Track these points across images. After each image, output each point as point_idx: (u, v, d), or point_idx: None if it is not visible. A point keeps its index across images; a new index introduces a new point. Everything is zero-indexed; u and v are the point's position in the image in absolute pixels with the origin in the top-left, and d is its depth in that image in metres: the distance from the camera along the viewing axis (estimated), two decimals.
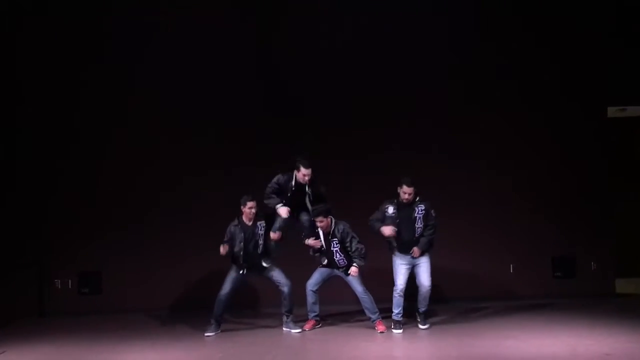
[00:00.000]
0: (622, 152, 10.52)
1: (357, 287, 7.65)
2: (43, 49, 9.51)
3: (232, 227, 7.72)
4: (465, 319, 7.94)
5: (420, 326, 7.64)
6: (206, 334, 7.60)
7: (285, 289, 7.71)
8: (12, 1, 9.41)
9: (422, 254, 7.54)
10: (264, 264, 7.71)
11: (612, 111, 9.93)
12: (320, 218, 7.56)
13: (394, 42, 9.61)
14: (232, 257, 7.70)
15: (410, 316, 7.80)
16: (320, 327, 7.90)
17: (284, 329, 7.80)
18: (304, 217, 7.81)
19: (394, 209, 7.56)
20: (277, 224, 7.69)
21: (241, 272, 7.70)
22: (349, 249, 7.62)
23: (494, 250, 9.42)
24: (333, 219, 7.67)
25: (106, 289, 9.35)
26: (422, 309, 7.66)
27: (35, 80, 9.53)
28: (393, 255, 7.64)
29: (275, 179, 7.74)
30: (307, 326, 7.83)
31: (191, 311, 8.82)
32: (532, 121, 9.66)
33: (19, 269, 9.08)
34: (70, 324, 8.55)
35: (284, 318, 7.83)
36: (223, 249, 7.55)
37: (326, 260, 7.75)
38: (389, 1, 9.63)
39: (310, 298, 7.82)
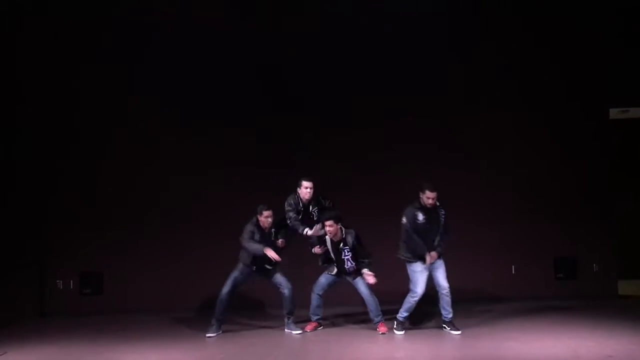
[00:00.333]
0: (623, 153, 10.49)
1: (364, 289, 7.62)
2: (43, 49, 9.51)
3: (253, 227, 7.64)
4: (466, 321, 7.92)
5: (453, 332, 7.45)
6: (207, 335, 7.60)
7: (286, 292, 7.70)
8: (12, 1, 9.37)
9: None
10: (267, 267, 7.70)
11: (615, 112, 9.91)
12: (330, 222, 7.48)
13: (394, 42, 9.60)
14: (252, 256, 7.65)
15: (416, 322, 7.78)
16: (321, 328, 7.89)
17: (285, 330, 7.80)
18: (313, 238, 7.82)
19: (423, 216, 7.37)
20: (282, 232, 7.81)
21: (253, 267, 7.67)
22: (360, 256, 7.56)
23: (495, 251, 9.42)
24: (343, 228, 7.62)
25: (107, 289, 9.34)
26: (449, 315, 7.50)
27: (35, 80, 9.52)
28: (411, 263, 7.43)
29: (286, 204, 7.78)
30: (309, 328, 7.83)
31: (192, 312, 8.84)
32: (533, 121, 9.67)
33: (19, 269, 9.07)
34: (71, 324, 8.54)
35: (286, 319, 7.83)
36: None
37: (335, 270, 7.72)
38: (389, 1, 9.62)
39: (315, 302, 7.82)
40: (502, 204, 9.47)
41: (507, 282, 9.43)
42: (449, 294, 7.43)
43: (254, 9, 9.66)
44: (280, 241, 7.76)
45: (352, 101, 9.54)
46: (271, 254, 7.45)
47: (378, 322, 7.65)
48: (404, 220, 7.37)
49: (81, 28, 9.51)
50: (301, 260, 8.22)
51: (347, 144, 9.46)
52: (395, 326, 7.56)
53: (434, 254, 7.36)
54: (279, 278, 7.73)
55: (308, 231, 7.69)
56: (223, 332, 7.71)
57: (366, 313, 7.80)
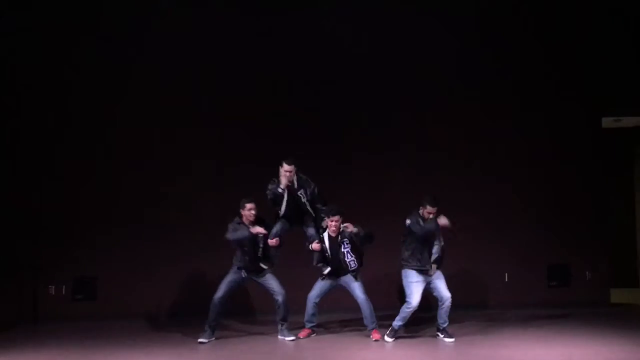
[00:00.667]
0: (618, 161, 10.55)
1: (359, 294, 7.60)
2: (43, 48, 9.41)
3: (235, 225, 7.62)
4: (459, 328, 7.93)
5: (447, 340, 7.45)
6: (200, 340, 7.55)
7: (279, 298, 7.66)
8: (12, 1, 9.33)
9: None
10: (262, 266, 7.66)
11: (607, 122, 9.96)
12: (337, 217, 7.49)
13: (394, 42, 9.69)
14: (239, 257, 7.64)
15: (410, 329, 7.79)
16: (315, 335, 7.87)
17: (279, 336, 7.77)
18: (310, 231, 7.77)
19: (424, 224, 7.33)
20: (275, 229, 7.67)
21: (243, 274, 7.65)
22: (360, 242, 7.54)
23: (488, 259, 9.44)
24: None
25: (100, 295, 9.28)
26: (444, 324, 7.50)
27: (34, 80, 9.41)
28: (407, 271, 7.40)
29: (267, 191, 7.63)
30: (302, 334, 7.80)
31: (186, 317, 8.79)
32: (525, 129, 9.73)
33: (11, 275, 9.01)
34: (63, 330, 8.46)
35: (279, 326, 7.79)
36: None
37: (328, 269, 7.69)
38: (389, 1, 9.68)
39: (310, 309, 7.79)
40: (495, 211, 9.51)
41: (500, 289, 9.46)
42: (450, 303, 7.42)
43: (254, 9, 9.65)
44: (274, 240, 7.63)
45: (352, 101, 9.59)
46: (257, 229, 7.43)
47: (372, 329, 7.63)
48: (408, 221, 7.38)
49: (80, 28, 9.42)
50: (296, 262, 8.17)
51: (346, 144, 9.54)
52: (387, 332, 7.54)
53: (434, 267, 7.41)
54: (273, 284, 7.68)
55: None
56: (216, 338, 7.67)
57: (360, 320, 7.78)
